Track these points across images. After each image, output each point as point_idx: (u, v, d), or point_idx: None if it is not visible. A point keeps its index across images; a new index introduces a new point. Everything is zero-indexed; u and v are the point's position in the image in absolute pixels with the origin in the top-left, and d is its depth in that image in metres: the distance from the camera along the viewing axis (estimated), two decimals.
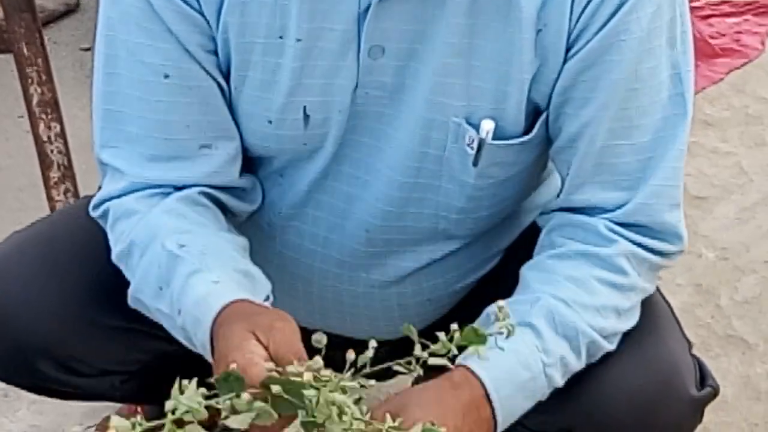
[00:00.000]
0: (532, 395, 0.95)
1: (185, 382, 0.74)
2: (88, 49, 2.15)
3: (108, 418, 0.83)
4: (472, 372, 0.90)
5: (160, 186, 1.02)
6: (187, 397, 0.75)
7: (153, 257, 0.95)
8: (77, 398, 1.24)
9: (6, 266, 1.12)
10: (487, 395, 0.92)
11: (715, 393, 1.07)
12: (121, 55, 1.02)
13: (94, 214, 1.03)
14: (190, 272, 0.92)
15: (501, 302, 0.89)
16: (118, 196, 1.01)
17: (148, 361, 1.12)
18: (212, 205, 1.03)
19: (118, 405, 1.31)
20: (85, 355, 1.12)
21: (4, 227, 1.30)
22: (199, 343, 0.91)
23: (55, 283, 1.10)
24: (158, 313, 0.98)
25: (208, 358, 0.89)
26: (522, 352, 0.94)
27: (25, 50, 1.38)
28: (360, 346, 0.83)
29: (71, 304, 1.10)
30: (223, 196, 1.04)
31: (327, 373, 0.78)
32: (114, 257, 1.01)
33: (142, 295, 0.99)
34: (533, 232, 1.10)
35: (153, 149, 1.01)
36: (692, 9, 2.08)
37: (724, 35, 2.24)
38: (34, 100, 1.40)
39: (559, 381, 0.96)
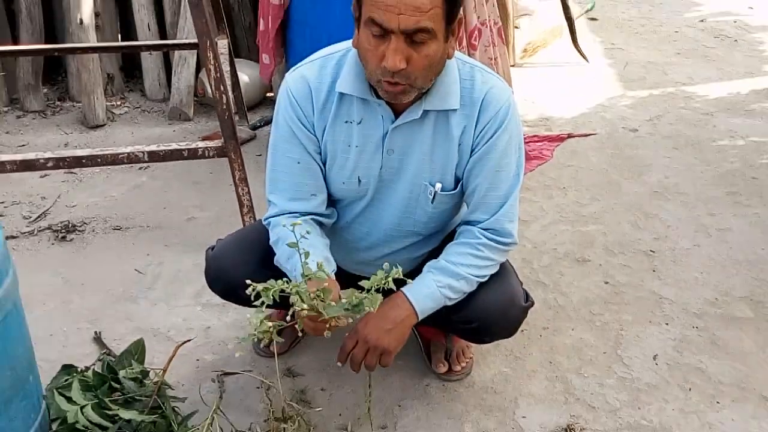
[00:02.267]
0: (434, 300, 1.79)
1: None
2: (260, 155, 3.40)
3: (270, 316, 2.03)
4: (405, 296, 1.79)
5: (292, 213, 1.83)
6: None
7: (286, 253, 1.77)
8: (253, 306, 1.83)
9: (226, 246, 2.00)
10: (407, 299, 1.79)
11: (531, 304, 1.97)
12: (278, 153, 1.83)
13: (264, 223, 1.88)
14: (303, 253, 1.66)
15: (430, 264, 1.82)
16: (274, 216, 1.83)
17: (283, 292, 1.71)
18: (314, 222, 1.85)
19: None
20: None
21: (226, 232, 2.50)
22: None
23: (247, 255, 1.92)
24: (285, 268, 1.78)
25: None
26: (426, 282, 1.80)
27: (232, 155, 2.68)
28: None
29: (254, 263, 1.88)
30: (319, 218, 1.86)
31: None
32: (271, 243, 1.83)
33: (280, 260, 1.80)
34: (453, 234, 1.95)
35: (290, 195, 1.83)
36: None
37: (534, 150, 3.57)
38: (236, 177, 2.64)
39: (452, 295, 1.81)
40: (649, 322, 2.45)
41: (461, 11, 1.73)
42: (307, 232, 1.73)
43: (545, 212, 3.15)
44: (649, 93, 4.36)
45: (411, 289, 1.80)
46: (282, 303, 1.65)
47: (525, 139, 3.47)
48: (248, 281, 1.58)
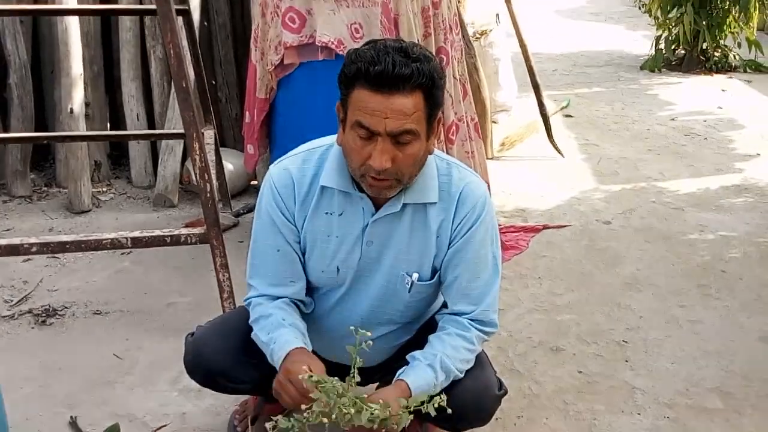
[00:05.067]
0: (425, 394, 1.72)
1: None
2: (241, 242, 3.44)
3: (245, 402, 2.20)
4: (407, 385, 1.77)
5: (271, 297, 1.90)
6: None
7: (267, 322, 1.83)
8: (231, 392, 2.11)
9: (206, 333, 2.00)
10: (410, 395, 1.75)
11: (505, 393, 1.97)
12: (260, 241, 1.90)
13: (245, 304, 1.93)
14: (282, 330, 1.79)
15: (417, 355, 1.80)
16: (255, 297, 1.90)
17: (262, 379, 1.89)
18: (293, 306, 1.91)
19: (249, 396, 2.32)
20: (239, 374, 1.97)
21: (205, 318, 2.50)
22: (276, 360, 1.75)
23: (227, 342, 1.94)
24: (264, 346, 1.81)
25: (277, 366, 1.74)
26: (427, 379, 1.79)
27: (214, 242, 2.72)
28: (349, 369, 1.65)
29: (234, 351, 1.93)
30: (298, 303, 1.93)
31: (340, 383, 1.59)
32: (250, 322, 1.88)
33: (259, 335, 1.84)
34: (431, 322, 2.01)
35: (270, 281, 1.89)
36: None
37: (510, 240, 3.64)
38: (218, 263, 2.70)
39: (438, 390, 1.76)
40: (622, 412, 2.48)
41: (440, 112, 1.82)
42: (283, 319, 1.85)
43: (521, 301, 3.20)
44: (622, 187, 4.49)
45: (414, 384, 1.81)
46: (265, 390, 1.77)
47: (501, 229, 3.61)
48: (272, 418, 1.64)
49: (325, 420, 1.61)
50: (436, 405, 1.65)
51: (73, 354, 2.74)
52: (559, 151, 4.94)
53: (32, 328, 2.92)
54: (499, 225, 3.60)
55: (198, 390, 2.48)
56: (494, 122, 5.25)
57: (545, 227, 3.90)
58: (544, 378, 2.66)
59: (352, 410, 1.61)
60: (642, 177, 4.69)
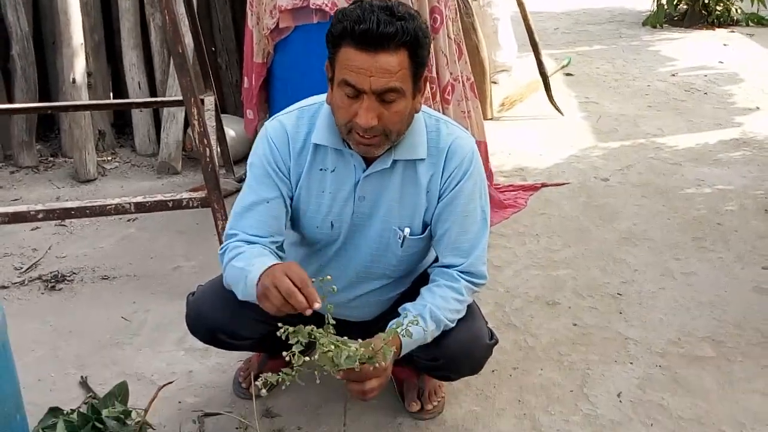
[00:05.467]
0: (416, 344, 1.85)
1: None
2: None
3: (249, 359, 2.27)
4: (396, 334, 1.79)
5: (251, 242, 1.88)
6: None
7: (247, 254, 1.80)
8: (234, 349, 2.19)
9: (205, 291, 2.06)
10: (399, 342, 1.81)
11: (496, 342, 2.05)
12: (251, 190, 1.90)
13: (220, 251, 1.90)
14: (263, 258, 1.77)
15: (407, 306, 1.85)
16: (234, 242, 1.87)
17: (262, 334, 1.97)
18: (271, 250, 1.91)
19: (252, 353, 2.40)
20: (238, 329, 2.02)
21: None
22: (253, 278, 1.69)
23: (226, 299, 1.93)
24: (239, 272, 1.76)
25: (252, 293, 1.70)
26: (417, 329, 1.81)
27: (215, 205, 2.76)
28: (343, 323, 1.87)
29: (232, 306, 1.92)
30: (275, 249, 1.93)
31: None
32: (226, 263, 1.84)
33: (234, 266, 1.80)
34: (424, 275, 2.06)
35: (252, 231, 1.88)
36: (496, 186, 3.82)
37: (509, 199, 3.67)
38: (219, 226, 2.74)
39: (429, 339, 1.87)
40: (615, 362, 2.54)
41: (426, 70, 1.85)
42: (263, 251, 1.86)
43: (518, 258, 3.25)
44: (621, 144, 4.51)
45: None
46: (265, 346, 1.74)
47: (500, 188, 3.66)
48: (279, 324, 1.63)
49: (308, 362, 1.64)
50: (411, 326, 1.75)
51: (83, 317, 2.81)
52: (558, 110, 4.95)
53: (42, 293, 2.99)
54: (498, 184, 3.70)
55: (204, 349, 2.56)
56: (494, 82, 5.26)
57: (543, 185, 3.93)
58: (539, 331, 2.71)
59: (333, 348, 1.65)
60: (641, 133, 4.70)
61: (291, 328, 1.64)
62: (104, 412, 1.98)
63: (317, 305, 1.64)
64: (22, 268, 3.17)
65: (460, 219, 1.94)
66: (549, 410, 2.31)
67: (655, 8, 7.60)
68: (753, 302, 2.88)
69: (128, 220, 3.58)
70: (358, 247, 2.01)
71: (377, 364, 1.71)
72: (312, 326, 1.66)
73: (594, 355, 2.57)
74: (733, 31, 7.24)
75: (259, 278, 1.71)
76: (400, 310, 1.94)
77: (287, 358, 1.63)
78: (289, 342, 1.64)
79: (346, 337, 1.72)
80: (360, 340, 1.77)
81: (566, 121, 4.90)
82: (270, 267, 1.72)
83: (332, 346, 1.65)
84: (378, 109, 1.73)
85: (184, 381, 2.45)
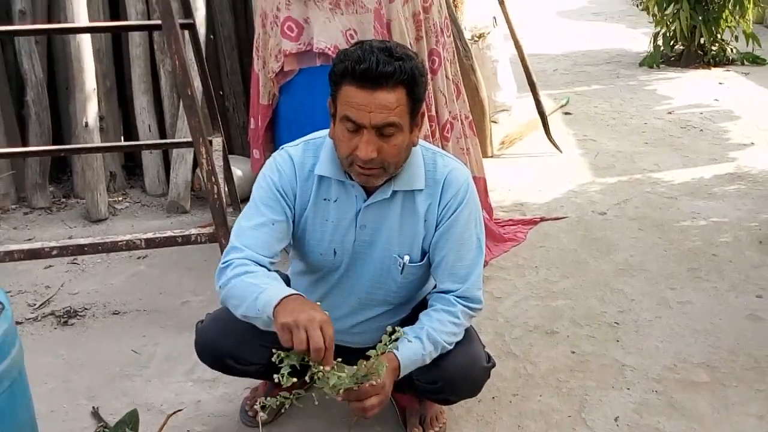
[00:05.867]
0: (415, 365, 1.93)
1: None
2: None
3: (256, 389, 2.32)
4: (395, 355, 1.88)
5: (256, 263, 1.92)
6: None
7: (258, 274, 1.86)
8: (242, 375, 2.20)
9: (214, 318, 2.14)
10: (399, 364, 1.89)
11: (493, 365, 2.12)
12: (256, 212, 1.97)
13: (221, 266, 1.92)
14: (277, 283, 1.84)
15: (399, 328, 1.84)
16: (240, 258, 1.91)
17: (268, 359, 1.78)
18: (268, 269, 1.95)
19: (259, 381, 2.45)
20: (244, 354, 2.09)
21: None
22: (269, 300, 1.73)
23: (234, 325, 1.99)
24: (252, 288, 1.81)
25: (262, 314, 1.75)
26: (414, 349, 1.91)
27: (223, 240, 2.85)
28: (343, 348, 1.93)
29: (240, 332, 2.01)
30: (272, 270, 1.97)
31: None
32: (229, 277, 1.87)
33: (244, 281, 1.83)
34: (424, 302, 2.15)
35: (257, 250, 1.93)
36: (496, 221, 3.90)
37: (509, 233, 3.74)
38: None
39: (428, 361, 1.95)
40: (612, 388, 2.59)
41: (423, 106, 1.95)
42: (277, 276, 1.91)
43: (517, 289, 3.32)
44: (618, 179, 4.59)
45: (402, 354, 1.92)
46: (271, 373, 1.78)
47: (500, 223, 3.73)
48: (273, 350, 1.70)
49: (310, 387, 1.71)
50: (407, 345, 1.87)
51: (94, 351, 2.88)
52: (557, 147, 5.05)
53: (55, 328, 3.06)
54: (498, 219, 3.77)
55: (212, 380, 2.65)
56: (494, 122, 5.38)
57: (542, 219, 4.01)
58: (538, 359, 2.77)
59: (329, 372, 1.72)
60: (638, 169, 4.79)
61: (283, 354, 1.71)
62: None
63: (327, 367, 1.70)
64: (35, 304, 3.25)
65: (457, 246, 2.02)
66: None
67: (652, 49, 7.75)
68: (747, 329, 2.93)
69: (138, 258, 3.67)
70: (360, 274, 2.10)
71: (374, 381, 1.77)
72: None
73: (592, 381, 2.62)
74: (729, 70, 7.37)
75: (279, 302, 1.75)
76: (411, 331, 1.98)
77: (276, 380, 1.69)
78: (280, 365, 1.70)
79: (339, 359, 1.78)
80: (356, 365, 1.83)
81: (564, 158, 4.99)
82: (296, 299, 1.76)
83: (327, 371, 1.71)
84: (377, 142, 1.83)
85: (193, 410, 2.51)
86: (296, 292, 1.82)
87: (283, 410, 2.44)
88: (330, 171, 1.99)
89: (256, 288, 1.82)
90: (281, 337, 1.72)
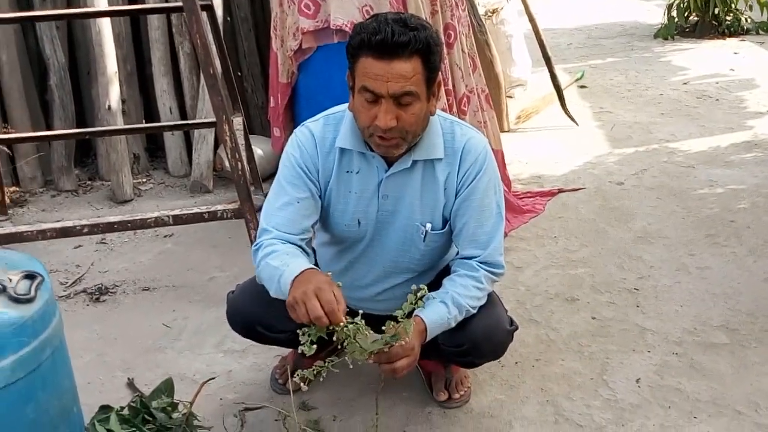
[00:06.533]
0: (441, 329, 2.00)
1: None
2: None
3: (285, 357, 2.40)
4: (422, 318, 1.97)
5: (285, 242, 2.00)
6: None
7: (283, 253, 1.91)
8: (272, 342, 2.28)
9: (244, 287, 2.22)
10: (425, 327, 1.97)
11: (516, 328, 2.19)
12: (282, 191, 2.03)
13: (253, 248, 2.00)
14: (299, 259, 1.89)
15: (423, 286, 1.86)
16: (271, 239, 1.99)
17: (296, 327, 1.81)
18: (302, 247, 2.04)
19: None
20: (273, 322, 2.13)
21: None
22: (287, 278, 1.80)
23: (261, 294, 2.00)
24: (273, 271, 1.87)
25: (284, 292, 1.79)
26: (440, 313, 1.98)
27: (248, 215, 2.91)
28: (370, 316, 1.87)
29: (268, 301, 1.96)
30: (304, 246, 2.06)
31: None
32: (260, 258, 1.94)
33: (269, 264, 1.90)
34: (447, 268, 2.18)
35: (286, 229, 2.00)
36: (514, 194, 3.93)
37: (527, 205, 3.78)
38: (252, 236, 2.91)
39: (453, 324, 2.00)
40: (633, 351, 2.63)
41: (440, 76, 1.99)
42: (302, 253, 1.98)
43: (538, 259, 3.36)
44: (635, 150, 4.60)
45: (428, 317, 1.97)
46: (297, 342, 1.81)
47: (519, 195, 3.76)
48: (299, 331, 1.75)
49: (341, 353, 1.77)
50: (433, 307, 1.92)
51: (126, 325, 2.96)
52: (573, 120, 5.06)
53: (87, 305, 3.14)
54: (517, 191, 3.81)
55: (241, 351, 2.72)
56: (510, 96, 5.39)
57: (560, 191, 4.03)
58: (560, 325, 2.81)
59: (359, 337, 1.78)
60: (654, 139, 4.80)
61: (304, 329, 1.76)
62: (153, 404, 2.11)
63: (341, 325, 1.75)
64: (67, 282, 3.33)
65: (477, 213, 2.06)
66: (571, 396, 2.41)
67: (666, 21, 7.70)
68: (765, 292, 2.96)
69: (165, 236, 3.73)
70: (384, 243, 2.14)
71: (403, 341, 1.82)
72: (346, 320, 1.77)
73: (613, 345, 2.66)
74: (744, 40, 7.32)
75: (292, 283, 1.81)
76: (424, 299, 2.01)
77: (300, 352, 1.76)
78: (300, 340, 1.76)
79: (364, 325, 1.81)
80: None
81: (581, 131, 5.00)
82: (303, 275, 1.81)
83: (358, 335, 1.77)
84: (396, 111, 1.87)
85: (224, 379, 2.57)
86: (309, 266, 1.86)
87: (321, 378, 2.48)
88: (351, 143, 2.03)
89: (276, 271, 1.89)
90: (291, 316, 1.79)
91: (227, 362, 2.68)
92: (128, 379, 2.59)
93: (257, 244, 2.02)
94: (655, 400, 2.37)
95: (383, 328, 1.88)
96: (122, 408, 2.19)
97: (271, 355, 2.65)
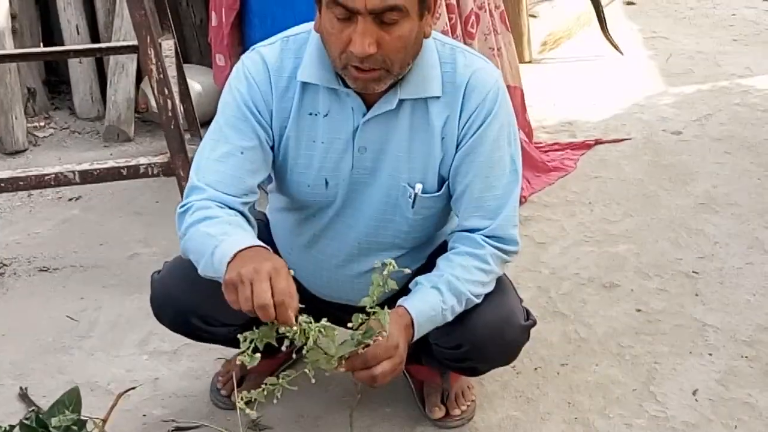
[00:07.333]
0: (433, 323, 1.93)
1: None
2: None
3: (230, 361, 2.33)
4: (406, 309, 1.91)
5: (221, 204, 1.91)
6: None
7: (221, 219, 1.84)
8: (210, 340, 2.25)
9: (174, 267, 2.14)
10: (412, 320, 1.89)
11: (533, 324, 2.14)
12: (221, 137, 1.96)
13: (179, 210, 1.93)
14: (241, 230, 1.84)
15: (420, 279, 1.94)
16: (201, 200, 1.91)
17: (244, 320, 1.83)
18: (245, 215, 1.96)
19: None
20: (214, 313, 2.07)
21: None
22: (225, 252, 1.73)
23: (197, 276, 1.92)
24: (208, 239, 1.81)
25: (220, 273, 1.73)
26: (431, 302, 1.90)
27: (181, 172, 2.82)
28: (345, 308, 1.93)
29: (207, 284, 1.88)
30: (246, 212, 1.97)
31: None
32: (188, 224, 1.88)
33: (202, 232, 1.84)
34: (443, 247, 2.10)
35: (223, 188, 1.92)
36: (537, 145, 3.92)
37: (554, 160, 3.78)
38: None
39: (449, 318, 1.94)
40: (690, 353, 2.64)
41: None
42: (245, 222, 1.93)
43: (566, 232, 3.37)
44: (697, 89, 4.60)
45: (415, 308, 1.93)
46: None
47: (543, 147, 3.80)
48: (239, 336, 1.71)
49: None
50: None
51: (18, 318, 2.93)
52: (616, 48, 5.04)
53: None
54: (540, 142, 3.82)
55: (172, 352, 2.69)
56: (533, 15, 5.35)
57: (597, 142, 4.04)
58: (594, 320, 2.82)
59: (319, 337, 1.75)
60: (723, 74, 4.80)
61: (246, 333, 1.72)
62: (53, 421, 2.09)
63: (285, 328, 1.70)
64: None
65: (485, 171, 2.01)
66: (607, 413, 2.42)
67: None
68: None
69: (69, 200, 3.71)
70: (360, 209, 2.09)
71: (379, 336, 1.78)
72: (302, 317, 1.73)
73: (663, 347, 2.68)
74: None
75: (233, 257, 1.76)
76: (411, 285, 2.02)
77: (238, 362, 1.72)
78: (241, 346, 1.72)
79: (327, 323, 1.77)
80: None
81: (626, 62, 5.00)
82: (252, 250, 1.78)
83: (319, 340, 1.73)
84: (376, 33, 1.80)
85: (149, 390, 2.56)
86: (259, 243, 1.83)
87: (274, 400, 2.46)
88: (317, 76, 1.97)
89: (212, 240, 1.84)
90: (227, 298, 1.73)
91: (153, 367, 2.67)
92: (20, 389, 2.58)
93: (184, 204, 1.97)
94: (718, 417, 2.39)
95: (349, 324, 1.82)
96: (11, 427, 2.18)
97: (212, 357, 2.63)
